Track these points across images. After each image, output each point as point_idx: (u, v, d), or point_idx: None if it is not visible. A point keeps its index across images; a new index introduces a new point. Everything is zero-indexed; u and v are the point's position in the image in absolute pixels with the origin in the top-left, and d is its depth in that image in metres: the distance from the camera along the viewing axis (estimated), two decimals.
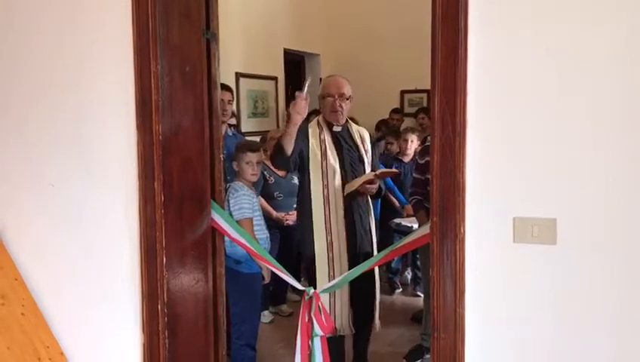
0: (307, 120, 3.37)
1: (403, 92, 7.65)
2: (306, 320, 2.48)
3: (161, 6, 2.15)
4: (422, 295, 5.05)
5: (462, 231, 1.85)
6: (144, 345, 2.29)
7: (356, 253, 3.22)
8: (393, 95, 7.54)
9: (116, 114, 2.25)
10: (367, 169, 3.37)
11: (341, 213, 3.18)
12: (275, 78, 6.52)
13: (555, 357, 1.82)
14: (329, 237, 3.15)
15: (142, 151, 2.20)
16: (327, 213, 3.17)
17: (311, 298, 2.49)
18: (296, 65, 7.52)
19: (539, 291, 1.81)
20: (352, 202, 3.25)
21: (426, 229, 2.15)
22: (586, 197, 1.75)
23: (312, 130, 3.31)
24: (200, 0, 2.39)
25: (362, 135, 3.42)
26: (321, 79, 7.98)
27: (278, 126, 6.54)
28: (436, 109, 1.84)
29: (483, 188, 1.83)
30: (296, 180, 4.60)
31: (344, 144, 3.33)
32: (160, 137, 2.18)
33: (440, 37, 1.81)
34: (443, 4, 1.78)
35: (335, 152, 3.27)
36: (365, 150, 3.38)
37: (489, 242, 1.84)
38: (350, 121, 3.44)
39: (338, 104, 3.25)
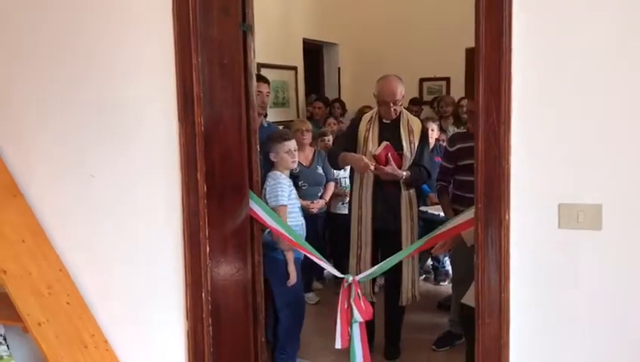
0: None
1: (422, 80, 7.65)
2: (346, 306, 2.52)
3: (201, 0, 2.18)
4: (444, 284, 5.09)
5: (507, 217, 1.87)
6: (188, 332, 2.34)
7: (378, 230, 3.54)
8: (412, 83, 7.54)
9: (157, 106, 2.28)
10: (408, 158, 3.54)
11: (370, 193, 3.52)
12: (294, 68, 6.54)
13: (601, 342, 1.85)
14: (359, 212, 3.55)
15: (184, 143, 2.23)
16: (360, 192, 3.55)
17: (350, 285, 2.53)
18: (314, 54, 7.54)
19: (584, 276, 1.83)
20: (379, 185, 3.52)
21: (468, 215, 2.18)
22: (632, 183, 1.76)
23: (364, 120, 3.64)
24: None
25: (411, 127, 3.60)
26: (339, 69, 7.99)
27: (298, 115, 6.57)
28: (481, 98, 1.86)
29: (528, 175, 1.85)
30: (320, 170, 4.68)
31: (387, 134, 3.55)
32: (202, 128, 2.21)
33: (484, 25, 1.82)
34: None
35: (377, 141, 3.53)
36: (410, 141, 3.56)
37: (534, 228, 1.87)
38: (404, 113, 3.63)
39: (392, 110, 3.51)
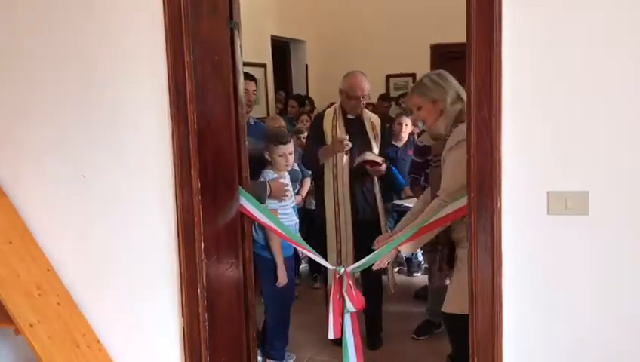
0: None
1: (389, 76, 7.76)
2: (338, 297, 2.57)
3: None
4: (417, 275, 5.21)
5: (498, 205, 1.95)
6: (184, 328, 2.35)
7: (358, 222, 3.63)
8: (379, 79, 7.65)
9: (149, 104, 2.28)
10: (375, 151, 3.68)
11: (347, 188, 3.61)
12: (264, 65, 6.56)
13: (592, 323, 1.95)
14: (337, 208, 3.61)
15: (177, 140, 2.24)
16: (335, 188, 3.62)
17: (341, 276, 2.58)
18: (281, 51, 7.56)
19: (573, 259, 1.93)
20: (357, 180, 3.64)
21: (459, 203, 2.25)
22: (616, 170, 1.87)
23: (327, 117, 3.70)
24: None
25: (373, 122, 3.76)
26: (307, 65, 8.04)
27: (268, 112, 6.59)
28: (472, 91, 1.93)
29: (518, 165, 1.94)
30: (296, 166, 4.72)
31: (354, 129, 3.65)
32: (195, 126, 2.23)
33: (475, 20, 1.89)
34: None
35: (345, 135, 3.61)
36: (375, 135, 3.71)
37: (524, 215, 1.95)
38: (364, 109, 3.75)
39: (363, 103, 3.64)
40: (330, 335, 2.64)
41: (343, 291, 2.55)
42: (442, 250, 2.63)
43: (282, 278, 3.24)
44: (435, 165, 2.66)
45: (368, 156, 3.57)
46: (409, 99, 2.89)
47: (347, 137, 3.53)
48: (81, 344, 2.43)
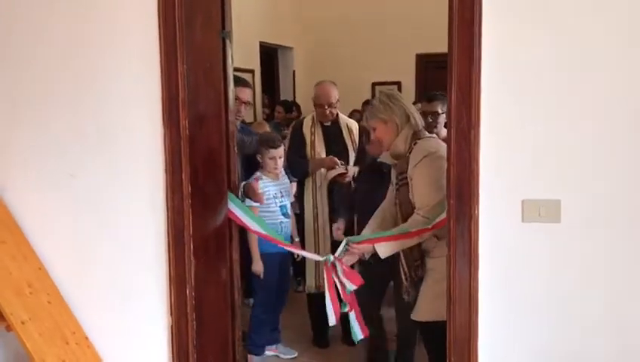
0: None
1: (374, 84, 7.88)
2: (333, 284, 2.72)
3: (186, 9, 2.27)
4: None
5: (476, 212, 2.06)
6: (172, 327, 2.42)
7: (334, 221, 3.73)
8: (365, 87, 7.77)
9: (142, 110, 2.35)
10: (352, 156, 3.88)
11: (325, 191, 3.81)
12: (252, 71, 6.64)
13: (562, 324, 2.07)
14: (315, 211, 3.80)
15: (169, 145, 2.32)
16: (314, 191, 3.83)
17: (333, 263, 2.72)
18: (269, 58, 7.65)
19: (546, 265, 2.05)
20: (334, 184, 3.83)
21: (441, 216, 2.37)
22: (586, 180, 1.99)
23: (306, 124, 3.94)
24: (217, 2, 2.53)
25: (350, 127, 3.96)
26: (294, 72, 8.14)
27: (255, 118, 6.67)
28: (453, 104, 2.04)
29: (494, 175, 2.05)
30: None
31: (331, 135, 3.88)
32: (187, 132, 2.30)
33: (456, 37, 2.00)
34: (459, 11, 1.97)
35: (323, 143, 3.84)
36: (352, 140, 3.91)
37: (500, 222, 2.07)
38: (340, 116, 3.95)
39: (328, 112, 3.83)
40: (332, 322, 2.80)
41: (340, 276, 2.68)
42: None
43: (258, 267, 3.41)
44: (401, 183, 2.72)
45: (332, 174, 3.78)
46: (365, 119, 3.00)
47: (341, 163, 3.73)
48: (71, 341, 2.49)
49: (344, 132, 3.91)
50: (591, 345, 2.06)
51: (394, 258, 2.73)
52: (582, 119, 1.98)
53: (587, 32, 1.95)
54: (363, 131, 3.85)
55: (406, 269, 2.72)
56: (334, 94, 3.82)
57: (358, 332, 2.87)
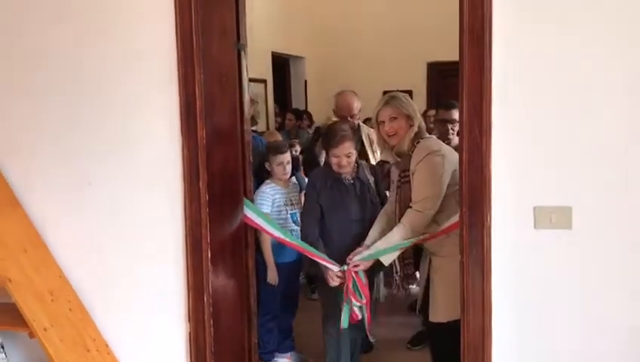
0: None
1: (385, 92, 7.90)
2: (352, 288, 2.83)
3: (202, 22, 2.33)
4: (412, 287, 5.31)
5: (488, 220, 2.10)
6: (190, 334, 2.47)
7: None
8: (376, 96, 7.77)
9: (160, 121, 2.40)
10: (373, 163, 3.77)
11: None
12: (264, 81, 6.71)
13: (574, 329, 2.09)
14: None
15: (187, 155, 2.37)
16: None
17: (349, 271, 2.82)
18: (281, 67, 7.73)
19: (558, 271, 2.08)
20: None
21: (453, 219, 2.40)
22: (597, 187, 2.02)
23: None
24: (232, 14, 2.59)
25: (372, 138, 3.80)
26: (306, 81, 8.21)
27: (267, 127, 6.74)
28: (464, 114, 2.08)
29: (506, 182, 2.08)
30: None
31: None
32: (204, 141, 2.36)
33: (467, 48, 2.04)
34: (469, 22, 2.02)
35: None
36: (374, 150, 3.83)
37: (512, 229, 2.10)
38: (362, 126, 3.92)
39: (351, 122, 3.70)
40: (345, 325, 2.90)
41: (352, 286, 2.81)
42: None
43: (273, 275, 3.47)
44: (404, 180, 2.81)
45: None
46: (382, 110, 2.86)
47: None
48: (91, 348, 2.54)
49: (365, 142, 3.87)
50: (604, 349, 2.08)
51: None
52: (592, 127, 2.01)
53: (600, 38, 1.98)
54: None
55: (398, 268, 2.88)
56: (356, 104, 3.81)
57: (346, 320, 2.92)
